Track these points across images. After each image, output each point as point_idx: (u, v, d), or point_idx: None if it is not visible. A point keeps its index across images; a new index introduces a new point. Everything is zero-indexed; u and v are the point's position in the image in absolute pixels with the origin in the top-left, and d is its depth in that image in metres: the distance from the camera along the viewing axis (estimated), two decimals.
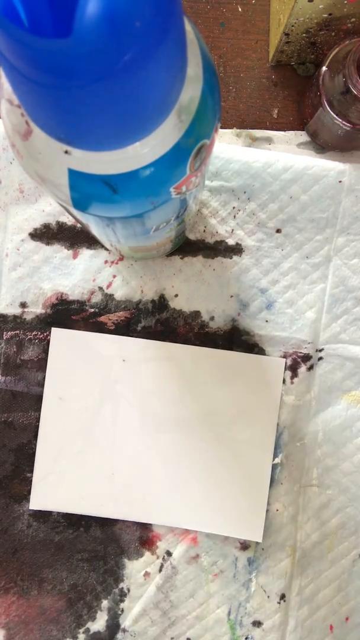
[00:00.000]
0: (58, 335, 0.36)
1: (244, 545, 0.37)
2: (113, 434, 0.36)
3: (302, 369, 0.39)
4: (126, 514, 0.36)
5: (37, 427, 0.38)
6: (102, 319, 0.39)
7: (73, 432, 0.36)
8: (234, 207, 0.38)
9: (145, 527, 0.38)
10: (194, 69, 0.17)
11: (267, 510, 0.37)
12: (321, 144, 0.39)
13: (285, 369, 0.39)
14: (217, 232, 0.39)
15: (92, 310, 0.39)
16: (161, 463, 0.36)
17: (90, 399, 0.36)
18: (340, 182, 0.38)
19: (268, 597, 0.38)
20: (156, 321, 0.39)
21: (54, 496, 0.35)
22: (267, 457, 0.35)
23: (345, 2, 0.32)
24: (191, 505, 0.35)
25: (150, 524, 0.37)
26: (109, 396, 0.36)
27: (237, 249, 0.39)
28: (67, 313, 0.39)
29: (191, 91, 0.17)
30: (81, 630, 0.38)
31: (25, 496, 0.38)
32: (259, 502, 0.35)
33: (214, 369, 0.36)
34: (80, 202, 0.19)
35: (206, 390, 0.35)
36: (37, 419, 0.38)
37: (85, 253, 0.39)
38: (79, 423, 0.36)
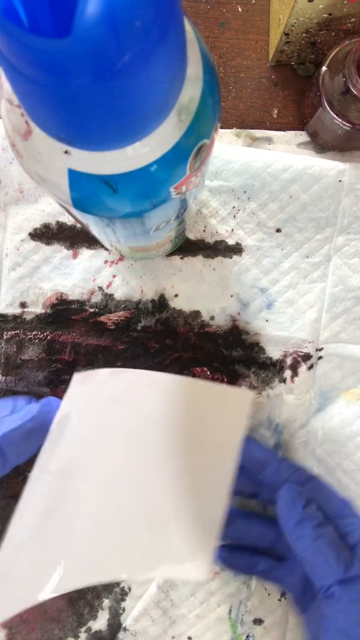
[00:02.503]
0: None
1: None
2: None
3: (303, 368, 0.39)
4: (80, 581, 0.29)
5: None
6: (102, 319, 0.39)
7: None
8: (233, 207, 0.38)
9: None
10: (194, 69, 0.18)
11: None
12: (321, 144, 0.39)
13: (286, 368, 0.39)
14: (217, 232, 0.39)
15: (92, 310, 0.39)
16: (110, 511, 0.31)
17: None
18: (340, 181, 0.38)
19: (269, 594, 0.38)
20: (156, 321, 0.39)
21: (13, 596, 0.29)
22: (222, 494, 0.30)
23: (345, 2, 0.32)
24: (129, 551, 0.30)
25: None
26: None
27: (237, 249, 0.39)
28: (67, 313, 0.39)
29: (191, 91, 0.17)
30: (82, 629, 0.38)
31: None
32: (208, 539, 0.30)
33: (174, 399, 0.32)
34: (80, 202, 0.19)
35: (165, 422, 0.32)
36: None
37: (85, 253, 0.39)
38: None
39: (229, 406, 0.32)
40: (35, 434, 0.32)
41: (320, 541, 0.29)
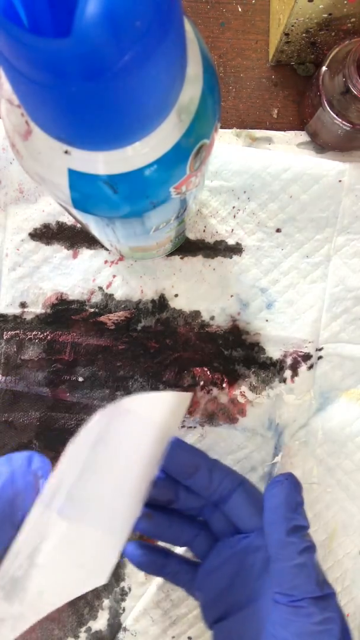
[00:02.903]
0: None
1: None
2: None
3: (303, 368, 0.39)
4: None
5: (37, 426, 0.38)
6: (102, 319, 0.39)
7: None
8: (233, 207, 0.38)
9: None
10: (194, 69, 0.18)
11: None
12: (321, 144, 0.39)
13: (286, 368, 0.39)
14: (217, 232, 0.39)
15: (92, 310, 0.39)
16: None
17: None
18: (340, 181, 0.38)
19: None
20: (156, 321, 0.39)
21: None
22: (135, 495, 0.28)
23: (345, 2, 0.32)
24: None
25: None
26: None
27: (237, 249, 0.39)
28: (67, 313, 0.39)
29: (191, 91, 0.17)
30: (82, 629, 0.38)
31: None
32: (113, 546, 0.27)
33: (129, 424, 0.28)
34: (80, 202, 0.19)
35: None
36: (38, 419, 0.38)
37: (85, 253, 0.39)
38: None
39: (171, 412, 0.29)
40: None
41: (307, 555, 0.27)
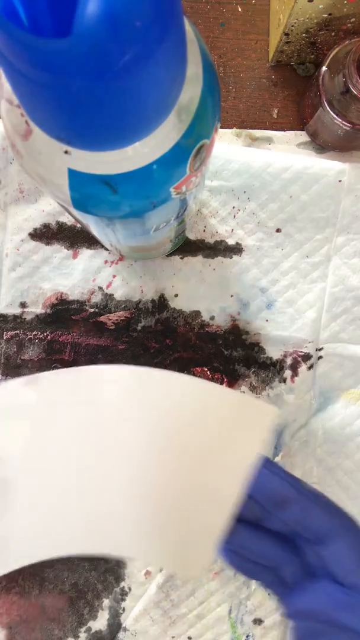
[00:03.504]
0: None
1: None
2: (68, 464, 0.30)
3: (303, 368, 0.39)
4: (89, 547, 0.30)
5: None
6: (102, 319, 0.39)
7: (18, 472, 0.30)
8: (233, 207, 0.38)
9: None
10: (194, 69, 0.18)
11: None
12: (321, 144, 0.39)
13: (286, 368, 0.39)
14: (217, 232, 0.39)
15: (92, 310, 0.39)
16: (118, 488, 0.30)
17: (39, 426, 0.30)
18: (340, 181, 0.38)
19: (269, 594, 0.38)
20: (156, 321, 0.39)
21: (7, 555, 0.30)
22: (225, 507, 0.28)
23: (345, 2, 0.32)
24: (140, 534, 0.29)
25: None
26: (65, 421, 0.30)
27: (237, 249, 0.39)
28: (67, 313, 0.39)
29: (191, 91, 0.17)
30: (82, 629, 0.38)
31: None
32: (208, 543, 0.28)
33: (191, 400, 0.30)
34: (80, 202, 0.19)
35: (179, 421, 0.30)
36: None
37: (85, 253, 0.39)
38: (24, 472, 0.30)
39: (247, 419, 0.29)
40: None
41: None
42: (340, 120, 0.34)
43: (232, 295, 0.39)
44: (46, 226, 0.39)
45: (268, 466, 0.27)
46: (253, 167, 0.38)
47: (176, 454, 0.30)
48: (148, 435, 0.30)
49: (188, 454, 0.30)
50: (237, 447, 0.29)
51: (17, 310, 0.39)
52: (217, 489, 0.28)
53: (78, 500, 0.30)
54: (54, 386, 0.30)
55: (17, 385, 0.30)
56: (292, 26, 0.35)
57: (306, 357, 0.39)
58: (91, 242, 0.39)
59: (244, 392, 0.39)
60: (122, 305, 0.39)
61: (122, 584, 0.38)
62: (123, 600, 0.38)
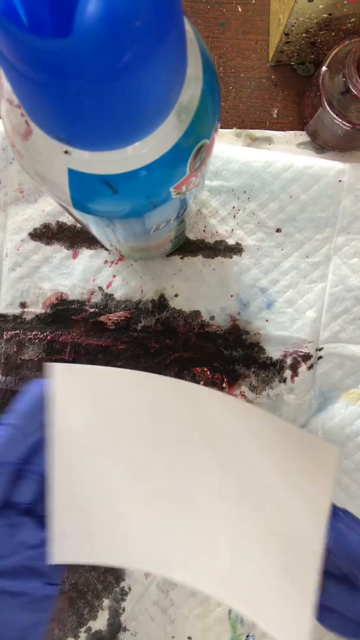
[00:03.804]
0: (62, 371, 0.29)
1: None
2: (139, 481, 0.30)
3: (303, 368, 0.39)
4: (153, 566, 0.29)
5: None
6: (102, 318, 0.39)
7: (91, 480, 0.30)
8: (233, 207, 0.38)
9: None
10: (194, 69, 0.18)
11: None
12: (321, 144, 0.39)
13: (286, 368, 0.39)
14: (217, 232, 0.39)
15: (92, 310, 0.39)
16: (196, 516, 0.29)
17: (107, 440, 0.30)
18: (340, 181, 0.38)
19: None
20: (156, 321, 0.39)
21: (79, 549, 0.29)
22: (315, 554, 0.26)
23: (345, 2, 0.32)
24: (228, 574, 0.28)
25: None
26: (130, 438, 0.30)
27: (237, 249, 0.39)
28: (67, 313, 0.39)
29: (191, 91, 0.17)
30: (83, 629, 0.38)
31: None
32: (302, 598, 0.26)
33: (256, 430, 0.29)
34: (80, 202, 0.19)
35: (248, 453, 0.29)
36: None
37: (85, 253, 0.39)
38: (96, 469, 0.30)
39: (311, 457, 0.28)
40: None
41: None
42: (340, 120, 0.34)
43: (232, 295, 0.39)
44: (46, 226, 0.39)
45: (345, 519, 0.27)
46: (253, 167, 0.38)
47: (251, 492, 0.28)
48: (221, 462, 0.29)
49: (261, 492, 0.28)
50: (308, 489, 0.27)
51: (17, 310, 0.39)
52: (298, 537, 0.27)
53: (161, 520, 0.29)
54: (144, 387, 0.29)
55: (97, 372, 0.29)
56: (292, 26, 0.35)
57: (306, 357, 0.39)
58: (91, 242, 0.39)
59: (244, 392, 0.39)
60: (122, 305, 0.39)
61: (122, 583, 0.38)
62: (123, 600, 0.38)
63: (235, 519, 0.28)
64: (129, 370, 0.29)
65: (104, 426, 0.30)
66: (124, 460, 0.29)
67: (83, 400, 0.29)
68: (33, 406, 0.27)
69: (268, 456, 0.28)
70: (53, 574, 0.27)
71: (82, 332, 0.39)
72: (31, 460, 0.27)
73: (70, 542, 0.28)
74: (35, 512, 0.28)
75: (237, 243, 0.39)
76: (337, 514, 0.27)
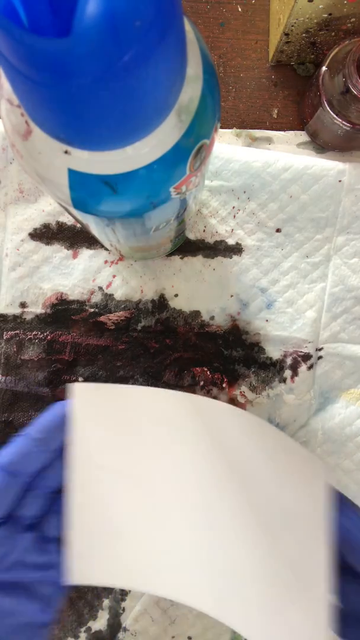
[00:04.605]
0: (82, 391, 0.29)
1: None
2: (159, 503, 0.29)
3: (303, 368, 0.39)
4: (175, 593, 0.29)
5: None
6: (102, 318, 0.39)
7: (109, 500, 0.29)
8: (233, 207, 0.38)
9: None
10: (194, 69, 0.18)
11: None
12: (321, 144, 0.39)
13: (286, 368, 0.39)
14: (217, 232, 0.39)
15: (92, 310, 0.39)
16: (217, 543, 0.29)
17: (126, 460, 0.30)
18: (340, 181, 0.38)
19: None
20: (156, 321, 0.39)
21: (97, 570, 0.29)
22: (323, 576, 0.26)
23: (345, 2, 0.32)
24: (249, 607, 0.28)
25: None
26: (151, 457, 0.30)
27: (237, 249, 0.39)
28: (67, 313, 0.39)
29: (191, 91, 0.17)
30: (82, 629, 0.38)
31: None
32: (315, 611, 0.26)
33: (271, 448, 0.29)
34: (80, 202, 0.19)
35: (265, 473, 0.28)
36: None
37: (85, 253, 0.39)
38: (114, 489, 0.29)
39: (303, 473, 0.28)
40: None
41: None
42: (340, 120, 0.34)
43: (232, 295, 0.39)
44: (46, 226, 0.39)
45: (348, 512, 0.27)
46: (253, 167, 0.38)
47: (265, 515, 0.28)
48: (240, 482, 0.29)
49: (271, 511, 0.28)
50: (304, 506, 0.27)
51: (17, 310, 0.39)
52: (304, 556, 0.27)
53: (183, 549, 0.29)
54: (158, 405, 0.29)
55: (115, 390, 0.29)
56: (292, 26, 0.35)
57: (306, 357, 0.39)
58: (91, 242, 0.39)
59: (243, 392, 0.39)
60: (122, 305, 0.39)
61: None
62: (123, 600, 0.38)
63: (251, 542, 0.28)
64: (146, 388, 0.29)
65: (122, 444, 0.30)
66: (141, 479, 0.29)
67: (102, 419, 0.29)
68: (54, 423, 0.27)
69: (278, 475, 0.28)
70: (52, 600, 0.27)
71: (82, 332, 0.39)
72: (42, 474, 0.27)
73: (87, 563, 0.28)
74: (38, 528, 0.27)
75: (237, 243, 0.39)
76: (343, 510, 0.27)
